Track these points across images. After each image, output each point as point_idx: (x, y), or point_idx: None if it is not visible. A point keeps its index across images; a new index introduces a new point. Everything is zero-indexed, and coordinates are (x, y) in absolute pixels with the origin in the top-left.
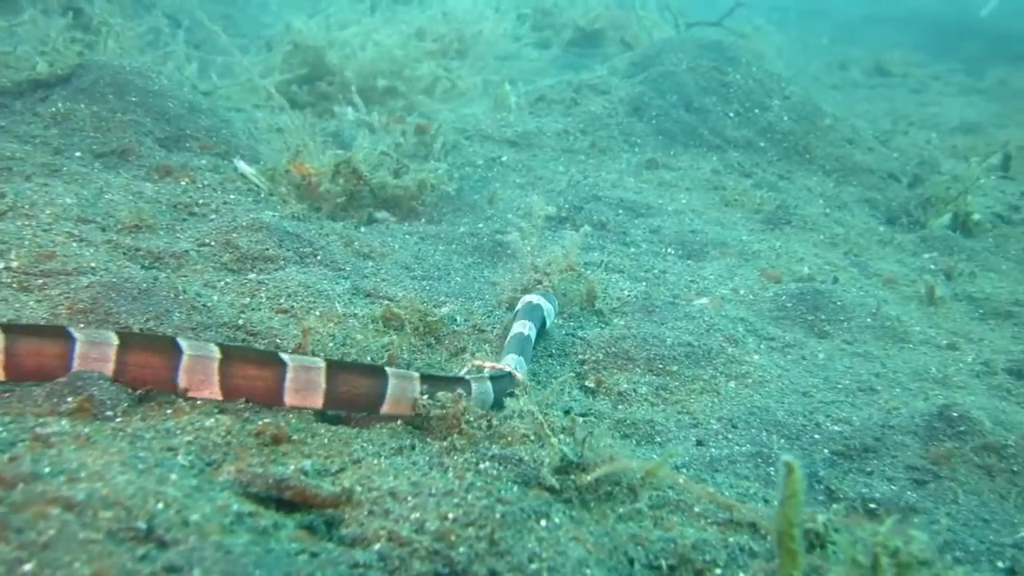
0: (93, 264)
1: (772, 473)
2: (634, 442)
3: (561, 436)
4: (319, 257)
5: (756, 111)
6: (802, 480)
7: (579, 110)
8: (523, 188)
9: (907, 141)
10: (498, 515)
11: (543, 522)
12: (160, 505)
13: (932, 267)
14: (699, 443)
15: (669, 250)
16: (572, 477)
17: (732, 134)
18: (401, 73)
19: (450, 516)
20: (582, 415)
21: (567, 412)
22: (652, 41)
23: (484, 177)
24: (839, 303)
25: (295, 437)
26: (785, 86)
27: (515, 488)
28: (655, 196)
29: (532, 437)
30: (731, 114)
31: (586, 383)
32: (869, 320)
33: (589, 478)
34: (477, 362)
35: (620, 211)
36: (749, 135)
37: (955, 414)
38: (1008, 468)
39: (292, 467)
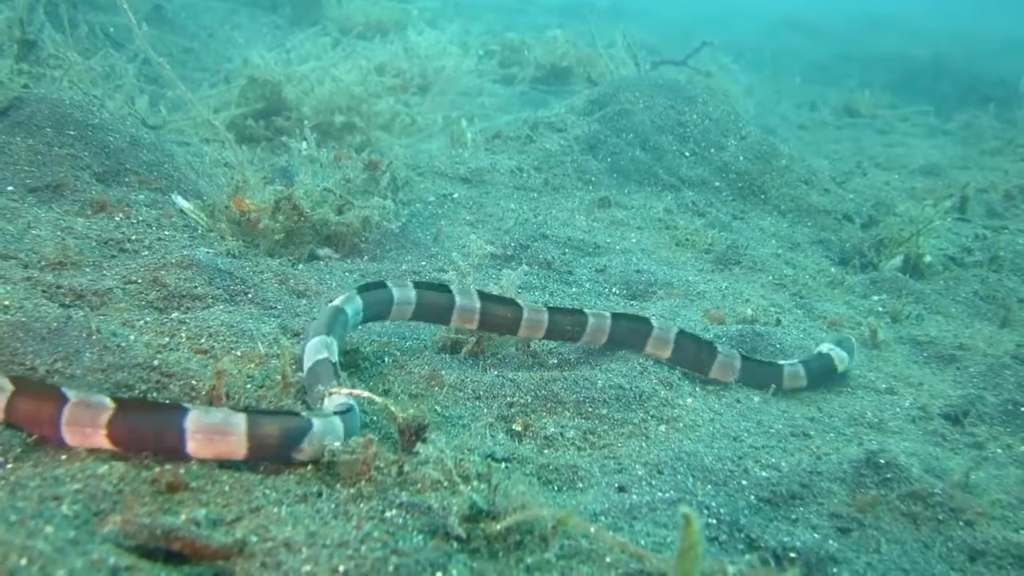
0: (6, 302)
1: None
2: (555, 488)
3: (475, 483)
4: (250, 295)
5: (712, 150)
6: (699, 532)
7: (534, 147)
8: (472, 225)
9: (864, 183)
10: (391, 567)
11: (439, 574)
12: (24, 561)
13: (880, 309)
14: (621, 489)
15: (614, 290)
16: (481, 526)
17: (687, 173)
18: (359, 109)
19: (341, 569)
20: (505, 460)
21: (489, 457)
22: (611, 80)
23: (435, 214)
24: (778, 345)
25: (193, 484)
26: (743, 126)
27: (417, 538)
28: (605, 235)
29: (444, 484)
30: (687, 153)
31: (513, 426)
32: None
33: (499, 527)
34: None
35: (567, 250)
36: (704, 174)
37: (882, 461)
38: (934, 516)
39: (183, 517)
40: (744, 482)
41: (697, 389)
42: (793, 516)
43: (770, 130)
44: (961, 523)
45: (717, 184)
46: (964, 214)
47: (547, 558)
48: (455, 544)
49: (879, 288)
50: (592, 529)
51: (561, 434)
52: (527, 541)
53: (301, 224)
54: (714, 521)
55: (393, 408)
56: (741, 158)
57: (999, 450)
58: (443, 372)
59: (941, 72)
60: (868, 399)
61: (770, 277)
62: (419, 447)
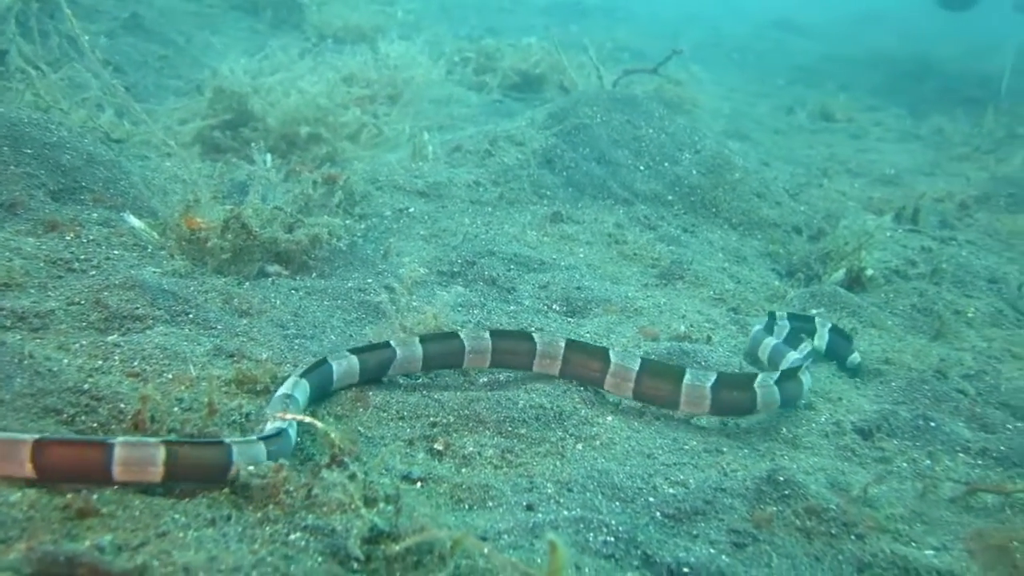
0: None
1: (591, 539)
2: (466, 507)
3: (382, 505)
4: (191, 316)
5: (666, 164)
6: (565, 557)
7: (493, 161)
8: (426, 240)
9: (819, 194)
10: None
11: None
12: None
13: None
14: (529, 508)
15: (555, 307)
16: (382, 547)
17: (641, 187)
18: (325, 120)
19: None
20: (421, 479)
21: (405, 477)
22: (571, 94)
23: (390, 228)
24: (704, 362)
25: (104, 510)
26: (698, 140)
27: (313, 561)
28: (552, 250)
29: (350, 506)
30: (642, 167)
31: (435, 446)
32: None
33: (398, 548)
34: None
35: (512, 266)
36: (658, 188)
37: (781, 478)
38: (827, 531)
39: (87, 543)
40: (651, 499)
41: (620, 406)
42: (694, 532)
43: (743, 136)
44: (853, 537)
45: (670, 198)
46: (916, 225)
47: None
48: (355, 565)
49: (818, 302)
50: (485, 550)
51: (479, 453)
52: (426, 561)
53: (250, 243)
54: (612, 539)
55: (332, 434)
56: (694, 172)
57: (904, 464)
58: (370, 393)
59: (926, 72)
60: (785, 415)
61: (710, 292)
62: (323, 472)
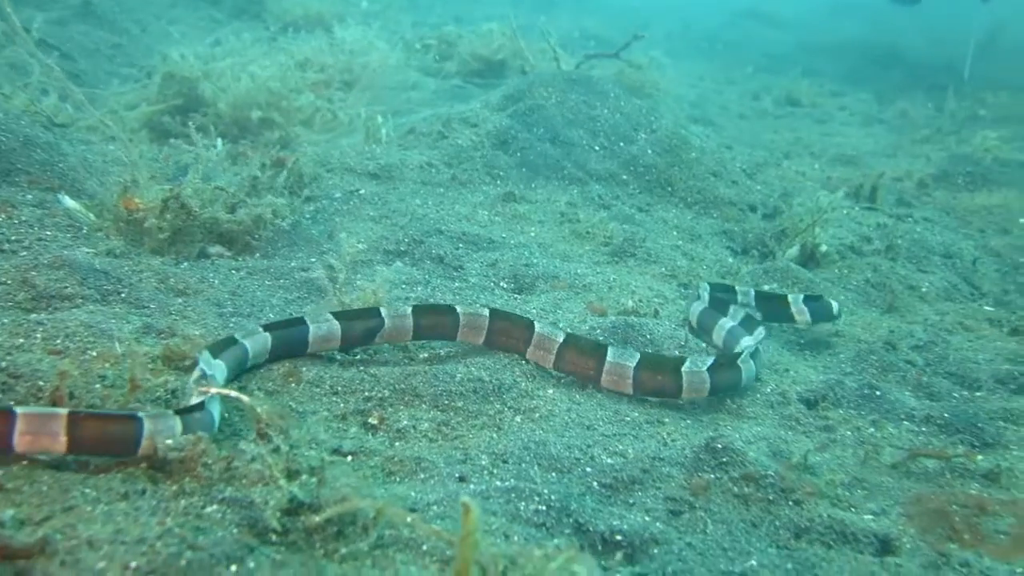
0: None
1: (522, 508)
2: (397, 480)
3: (304, 477)
4: (123, 295)
5: (621, 144)
6: (477, 520)
7: (446, 143)
8: (376, 221)
9: (777, 173)
10: (184, 562)
11: (234, 567)
12: None
13: None
14: (461, 479)
15: (503, 283)
16: (302, 519)
17: (596, 167)
18: (278, 105)
19: (133, 565)
20: (352, 454)
21: (335, 451)
22: (527, 75)
23: (340, 210)
24: (649, 336)
25: (10, 485)
26: (654, 120)
27: (228, 532)
28: (503, 229)
29: (272, 478)
30: (597, 147)
31: (369, 420)
32: (677, 353)
33: (318, 519)
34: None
35: (461, 245)
36: (613, 168)
37: (719, 446)
38: (764, 497)
39: None
40: (589, 469)
41: (562, 380)
42: (631, 500)
43: (708, 121)
44: (791, 503)
45: (625, 177)
46: (873, 203)
47: (361, 547)
48: (273, 536)
49: (771, 277)
50: (409, 519)
51: (414, 427)
52: (348, 532)
53: (190, 223)
54: (544, 508)
55: (258, 409)
56: (650, 151)
57: (848, 432)
58: (304, 369)
59: (894, 60)
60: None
61: (662, 268)
62: (242, 444)
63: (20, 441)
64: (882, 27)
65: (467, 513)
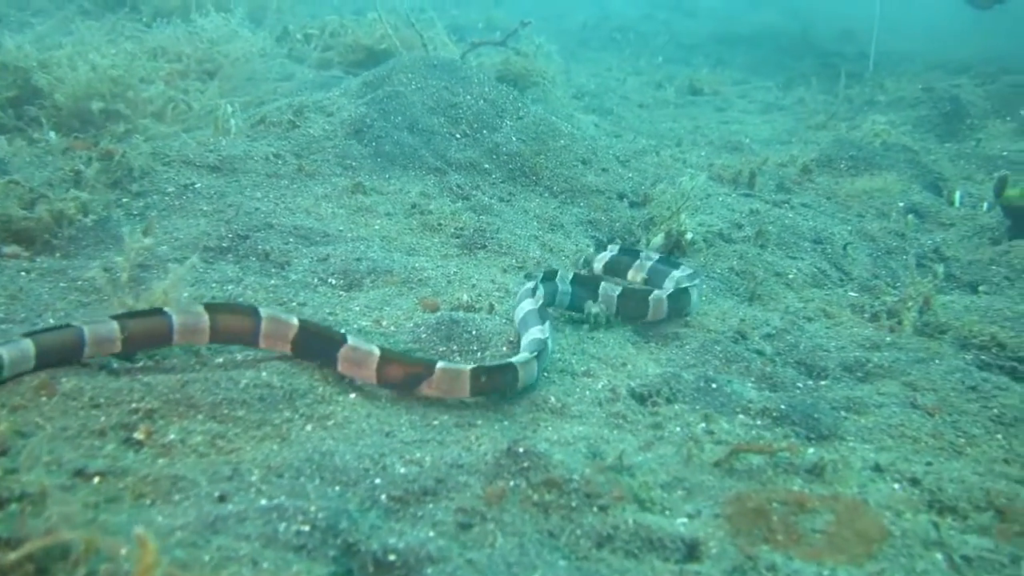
0: None
1: (281, 530)
2: (148, 503)
3: (13, 506)
4: None
5: (485, 132)
6: (155, 553)
7: (298, 133)
8: (207, 216)
9: (655, 161)
10: None
11: None
12: None
13: None
14: (221, 498)
15: (331, 280)
16: None
17: (456, 156)
18: (124, 95)
19: None
20: (99, 474)
21: (78, 472)
22: (387, 61)
23: (171, 205)
24: (474, 332)
25: None
26: (521, 106)
27: None
28: (344, 222)
29: None
30: (458, 135)
31: (135, 435)
32: (504, 349)
33: (14, 556)
34: None
35: (292, 239)
36: (474, 156)
37: (521, 449)
38: (567, 504)
39: None
40: (378, 480)
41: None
42: (420, 514)
43: (606, 111)
44: (595, 509)
45: (487, 166)
46: (752, 189)
47: None
48: None
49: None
50: (123, 551)
51: (183, 441)
52: (53, 568)
53: None
54: (307, 528)
55: None
56: (515, 139)
57: (677, 428)
58: (62, 379)
59: (806, 49)
60: (560, 383)
61: (513, 260)
62: None
63: None
64: (798, 18)
65: (144, 547)
